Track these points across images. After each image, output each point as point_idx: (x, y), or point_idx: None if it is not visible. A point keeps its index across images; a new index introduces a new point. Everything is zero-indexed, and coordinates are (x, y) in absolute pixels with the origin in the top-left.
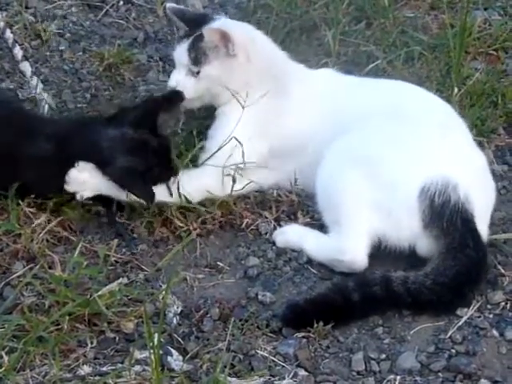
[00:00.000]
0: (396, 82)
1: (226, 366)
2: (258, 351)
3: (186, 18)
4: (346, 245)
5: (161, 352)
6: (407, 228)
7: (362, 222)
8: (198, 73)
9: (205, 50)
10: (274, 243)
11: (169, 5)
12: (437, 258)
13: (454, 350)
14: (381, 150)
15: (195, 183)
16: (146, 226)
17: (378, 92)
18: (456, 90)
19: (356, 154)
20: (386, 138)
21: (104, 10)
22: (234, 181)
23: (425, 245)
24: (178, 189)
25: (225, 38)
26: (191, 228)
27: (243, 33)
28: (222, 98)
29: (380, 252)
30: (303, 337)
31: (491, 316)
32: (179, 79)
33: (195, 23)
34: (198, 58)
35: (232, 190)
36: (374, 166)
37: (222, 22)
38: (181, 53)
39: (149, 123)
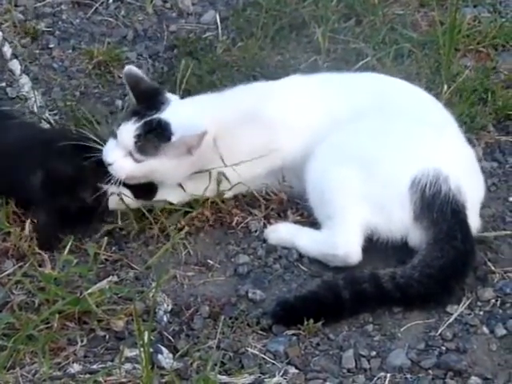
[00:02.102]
0: (375, 75)
1: (216, 364)
2: (248, 349)
3: (137, 89)
4: (340, 239)
5: (151, 350)
6: (398, 220)
7: (355, 216)
8: (140, 161)
9: (156, 143)
10: (264, 241)
11: (127, 69)
12: (424, 250)
13: (444, 347)
14: (371, 143)
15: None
16: (135, 224)
17: (361, 89)
18: (446, 87)
19: (346, 149)
20: (376, 132)
21: (93, 8)
22: (220, 181)
23: (416, 236)
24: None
25: (197, 140)
26: (179, 225)
27: (210, 133)
28: (166, 183)
29: (372, 248)
30: (293, 334)
31: (481, 313)
32: (116, 159)
33: (145, 99)
34: (145, 148)
35: (219, 190)
36: (365, 159)
37: (192, 125)
38: (126, 135)
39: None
